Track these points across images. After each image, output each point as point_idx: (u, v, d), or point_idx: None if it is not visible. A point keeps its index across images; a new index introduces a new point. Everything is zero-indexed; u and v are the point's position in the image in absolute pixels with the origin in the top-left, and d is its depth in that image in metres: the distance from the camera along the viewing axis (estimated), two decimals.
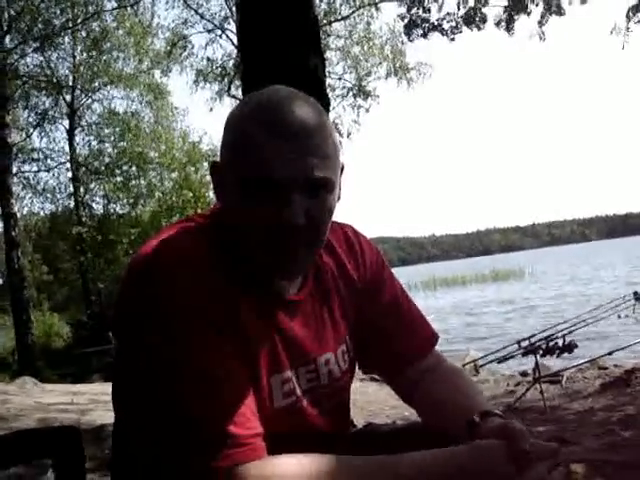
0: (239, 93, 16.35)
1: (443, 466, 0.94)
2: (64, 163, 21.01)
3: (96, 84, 20.63)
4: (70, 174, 20.73)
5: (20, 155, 19.84)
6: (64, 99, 20.58)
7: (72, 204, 20.85)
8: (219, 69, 19.82)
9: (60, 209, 21.66)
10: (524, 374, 7.18)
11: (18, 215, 16.69)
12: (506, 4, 9.51)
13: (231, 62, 19.26)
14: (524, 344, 5.39)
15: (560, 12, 9.46)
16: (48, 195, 21.18)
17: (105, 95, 21.16)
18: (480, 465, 0.92)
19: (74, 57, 20.17)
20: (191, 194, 17.85)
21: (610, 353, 6.13)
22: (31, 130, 20.53)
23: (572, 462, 2.95)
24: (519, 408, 5.21)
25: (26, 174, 20.74)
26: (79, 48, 20.28)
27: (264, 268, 1.02)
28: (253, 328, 1.01)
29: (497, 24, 9.68)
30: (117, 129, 20.39)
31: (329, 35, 19.01)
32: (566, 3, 9.39)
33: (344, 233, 1.23)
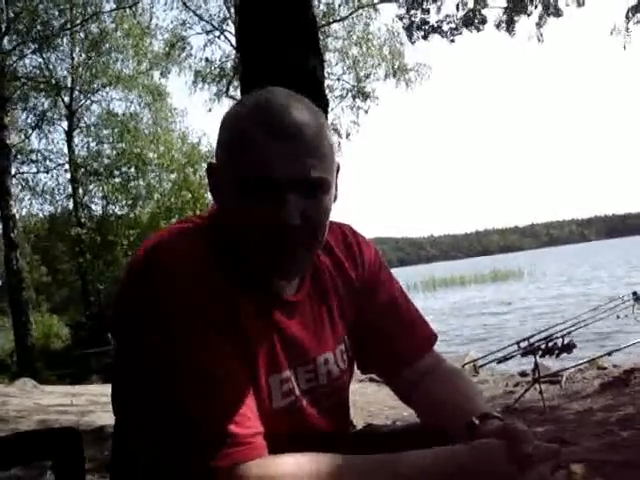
0: (238, 94, 16.35)
1: (443, 465, 0.94)
2: (63, 164, 21.04)
3: (95, 85, 20.64)
4: (69, 175, 20.75)
5: (19, 156, 19.84)
6: (63, 100, 20.58)
7: (71, 205, 20.86)
8: (218, 70, 19.83)
9: (59, 210, 21.67)
10: (523, 374, 7.19)
11: (17, 216, 16.71)
12: (505, 5, 9.53)
13: (230, 63, 19.27)
14: (523, 344, 5.39)
15: (558, 14, 9.47)
16: (47, 196, 21.20)
17: (104, 96, 21.20)
18: (480, 465, 0.92)
19: (73, 58, 20.19)
20: (190, 195, 17.86)
21: (609, 353, 6.14)
22: (30, 131, 20.56)
23: (572, 462, 2.95)
24: (518, 408, 5.22)
25: (25, 175, 20.76)
26: (78, 49, 20.30)
27: (262, 268, 1.02)
28: (252, 328, 1.01)
29: (497, 26, 9.70)
30: (116, 130, 20.37)
31: (328, 36, 19.03)
32: (564, 4, 9.42)
33: (342, 233, 1.23)
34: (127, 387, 1.03)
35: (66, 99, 20.60)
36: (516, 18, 9.59)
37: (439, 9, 9.67)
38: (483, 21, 9.63)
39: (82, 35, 19.95)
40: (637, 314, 6.32)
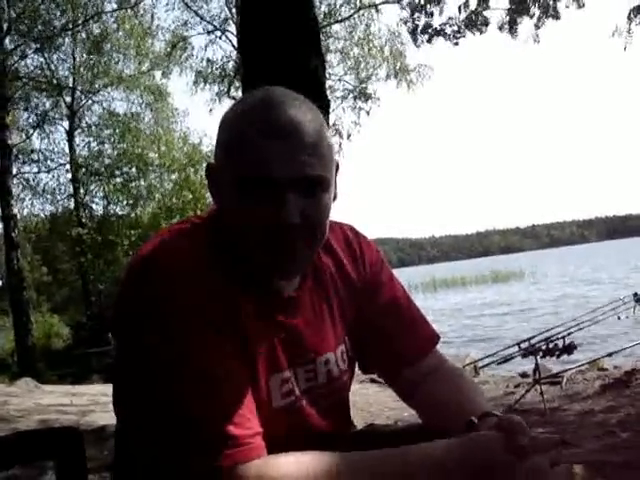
0: (239, 94, 16.34)
1: (440, 458, 0.93)
2: (64, 164, 21.02)
3: (96, 85, 20.63)
4: (70, 175, 20.72)
5: (20, 156, 19.82)
6: (64, 100, 20.59)
7: (72, 205, 20.83)
8: (219, 70, 19.81)
9: (60, 210, 21.64)
10: (524, 375, 7.19)
11: (18, 216, 16.69)
12: (508, 7, 9.52)
13: (231, 63, 19.27)
14: (524, 345, 5.39)
15: (556, 16, 9.47)
16: (48, 196, 21.17)
17: (105, 96, 21.19)
18: (477, 456, 0.92)
19: (74, 58, 20.19)
20: (191, 195, 17.86)
21: (610, 354, 6.13)
22: (31, 131, 20.52)
23: (572, 463, 2.95)
24: (519, 409, 5.21)
25: (26, 175, 20.74)
26: (79, 49, 20.29)
27: (262, 268, 1.02)
28: (252, 328, 1.01)
29: (500, 28, 9.70)
30: (117, 130, 20.37)
31: (329, 37, 19.03)
32: (563, 7, 9.41)
33: (343, 233, 1.23)
34: (127, 387, 1.03)
35: (67, 99, 20.61)
36: (518, 19, 9.59)
37: (441, 11, 9.67)
38: (485, 23, 9.63)
39: (84, 35, 19.95)
40: (638, 315, 6.32)
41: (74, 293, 22.44)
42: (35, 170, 20.88)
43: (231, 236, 1.01)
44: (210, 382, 0.92)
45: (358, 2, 18.83)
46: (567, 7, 9.39)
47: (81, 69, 20.28)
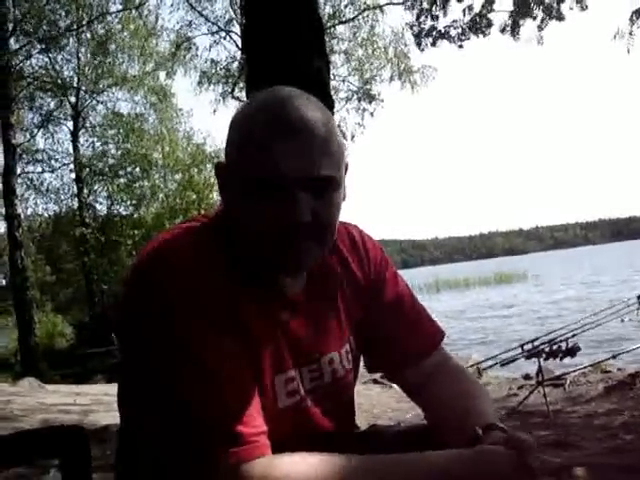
0: (243, 95, 16.36)
1: (447, 468, 0.93)
2: (68, 164, 21.10)
3: (101, 86, 20.70)
4: (74, 175, 20.78)
5: (24, 156, 19.91)
6: (68, 100, 20.65)
7: (76, 205, 20.89)
8: (223, 71, 19.86)
9: (64, 210, 21.69)
10: (527, 377, 7.17)
11: (22, 216, 16.72)
12: (511, 9, 9.51)
13: (235, 64, 19.30)
14: (527, 347, 5.39)
15: (560, 17, 9.46)
16: (52, 196, 21.27)
17: (109, 97, 21.28)
18: (483, 470, 0.92)
19: (79, 59, 20.27)
20: (195, 195, 17.90)
21: (614, 357, 6.12)
22: (35, 131, 20.63)
23: (575, 465, 2.94)
24: (522, 411, 5.20)
25: (30, 175, 20.83)
26: (84, 50, 20.39)
27: (269, 265, 1.02)
28: (257, 327, 1.01)
29: (502, 30, 9.70)
30: (121, 131, 20.42)
31: (333, 38, 19.04)
32: (567, 8, 9.40)
33: (348, 233, 1.23)
34: (132, 387, 1.04)
35: (72, 99, 20.68)
36: (521, 22, 9.58)
37: (445, 13, 9.67)
38: (489, 25, 9.62)
39: (88, 36, 20.04)
40: None
41: (77, 293, 22.45)
42: (39, 170, 21.01)
43: (238, 235, 1.02)
44: (214, 380, 0.92)
45: (362, 4, 18.86)
46: (571, 9, 9.40)
47: (86, 69, 20.36)
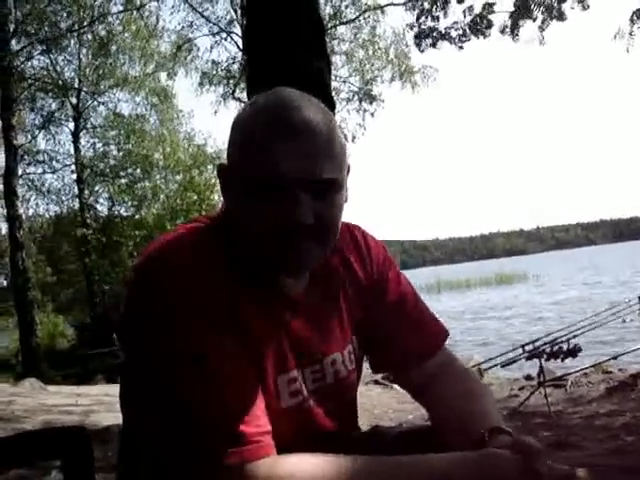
0: (244, 96, 16.38)
1: (452, 471, 0.93)
2: (69, 165, 21.13)
3: (102, 87, 20.72)
4: (75, 176, 20.81)
5: (25, 157, 19.91)
6: (70, 101, 20.66)
7: (77, 206, 20.91)
8: (224, 72, 19.87)
9: (65, 211, 21.71)
10: (528, 378, 7.17)
11: (23, 217, 16.75)
12: (512, 10, 9.51)
13: (236, 65, 19.31)
14: (528, 348, 5.38)
15: (561, 17, 9.46)
16: (53, 197, 21.28)
17: (110, 98, 21.29)
18: (488, 473, 0.91)
19: (80, 60, 20.29)
20: (195, 196, 17.89)
21: (615, 357, 6.12)
22: (37, 132, 20.66)
23: (576, 467, 2.94)
24: (523, 412, 5.20)
25: (31, 176, 20.85)
26: (85, 51, 20.42)
27: (270, 266, 1.02)
28: (258, 327, 1.01)
29: (502, 31, 9.70)
30: (122, 131, 20.44)
31: (334, 38, 19.05)
32: (568, 8, 9.40)
33: (351, 233, 1.23)
34: (135, 387, 1.04)
35: (73, 100, 20.69)
36: (521, 23, 9.59)
37: (445, 14, 9.67)
38: (489, 26, 9.62)
39: (89, 37, 20.06)
40: None
41: (79, 294, 22.45)
42: (40, 171, 21.03)
43: (239, 235, 1.02)
44: (215, 380, 0.92)
45: (363, 4, 18.87)
46: (572, 8, 9.40)
47: (87, 70, 20.38)
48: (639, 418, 4.40)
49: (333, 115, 1.06)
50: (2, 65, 16.01)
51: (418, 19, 9.93)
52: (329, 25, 17.59)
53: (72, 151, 20.88)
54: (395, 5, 18.14)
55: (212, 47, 20.01)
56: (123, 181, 20.33)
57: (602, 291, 23.75)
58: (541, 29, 9.66)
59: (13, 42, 17.70)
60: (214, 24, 19.24)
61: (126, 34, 19.75)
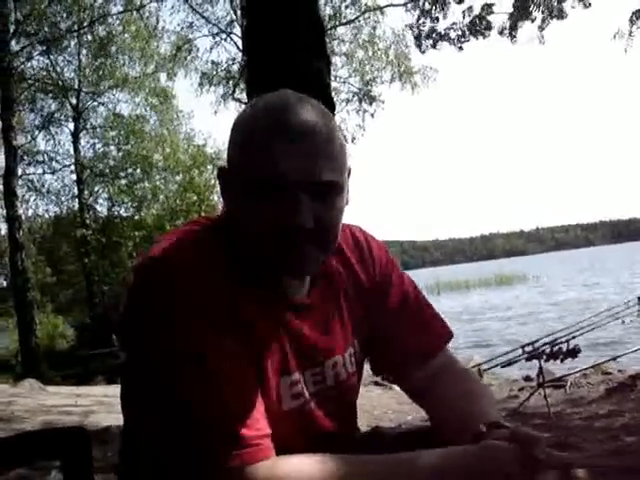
0: (244, 96, 16.38)
1: (451, 465, 0.93)
2: (69, 165, 21.09)
3: (101, 87, 20.71)
4: (75, 177, 20.80)
5: (25, 157, 19.89)
6: (69, 102, 20.66)
7: (76, 206, 20.90)
8: (224, 72, 19.88)
9: (64, 211, 21.68)
10: (528, 379, 7.17)
11: (22, 217, 16.73)
12: (511, 11, 9.52)
13: (236, 65, 19.32)
14: (528, 349, 5.38)
15: (562, 16, 9.46)
16: (53, 197, 21.26)
17: (110, 98, 21.28)
18: (488, 465, 0.91)
19: (80, 60, 20.29)
20: (195, 197, 17.90)
21: (614, 358, 6.12)
22: (36, 132, 20.64)
23: (575, 467, 2.94)
24: (523, 413, 5.20)
25: (31, 176, 20.83)
26: (85, 51, 20.42)
27: (270, 265, 1.02)
28: (261, 330, 1.01)
29: (500, 32, 9.71)
30: (122, 132, 20.44)
31: (334, 39, 19.06)
32: (569, 7, 9.40)
33: (352, 234, 1.23)
34: (136, 388, 1.04)
35: (73, 101, 20.68)
36: (519, 24, 9.60)
37: (445, 15, 9.69)
38: (488, 27, 9.63)
39: (89, 37, 20.06)
40: None
41: (78, 294, 22.44)
42: (40, 171, 21.01)
43: (239, 235, 1.02)
44: (219, 383, 0.92)
45: (363, 5, 18.89)
46: (573, 7, 9.40)
47: (86, 71, 20.38)
48: (638, 419, 4.40)
49: (333, 116, 1.06)
50: (2, 65, 16.01)
51: (418, 20, 9.96)
52: (329, 26, 17.58)
53: (72, 151, 20.90)
54: (395, 6, 18.16)
55: (212, 48, 20.02)
56: (123, 182, 20.33)
57: (602, 292, 23.75)
58: (541, 28, 9.67)
59: (13, 42, 17.69)
60: (214, 25, 19.28)
61: (126, 35, 19.76)
